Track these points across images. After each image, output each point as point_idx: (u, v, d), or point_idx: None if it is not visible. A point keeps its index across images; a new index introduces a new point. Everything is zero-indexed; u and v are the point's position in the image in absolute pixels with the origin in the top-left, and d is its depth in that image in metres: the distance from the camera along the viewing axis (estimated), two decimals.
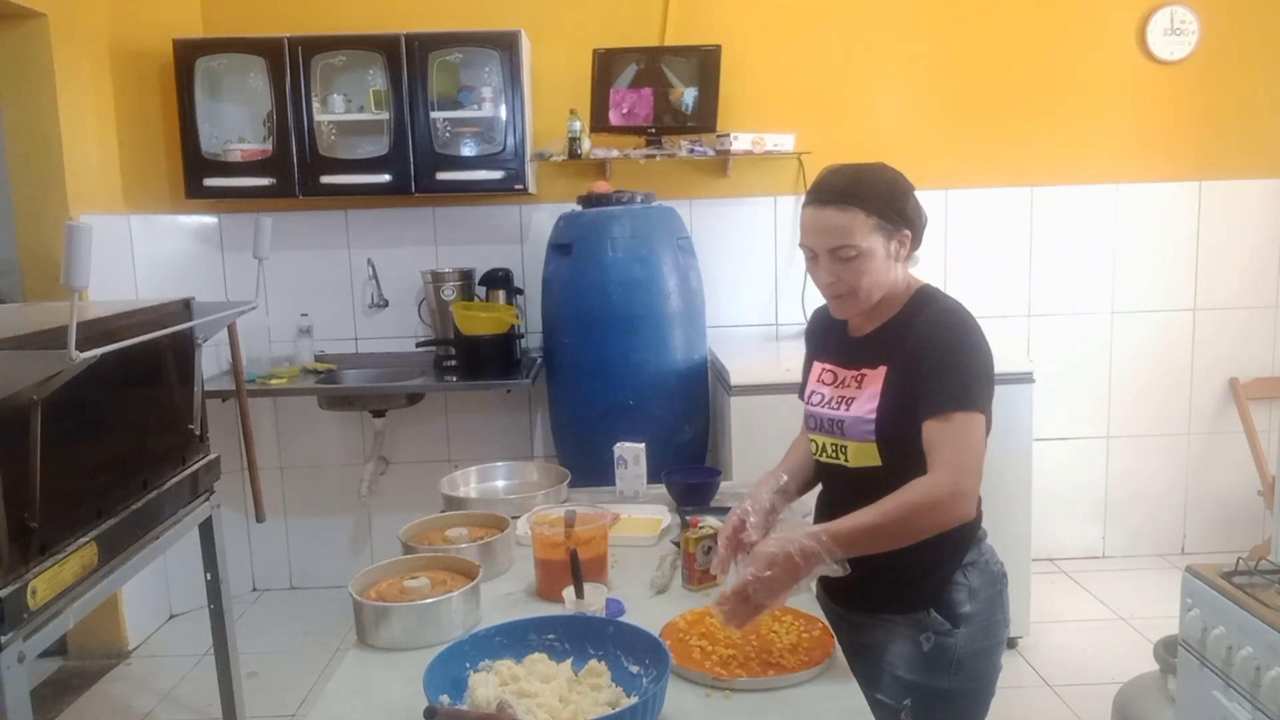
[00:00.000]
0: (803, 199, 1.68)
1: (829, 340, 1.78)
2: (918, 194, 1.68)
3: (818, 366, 1.78)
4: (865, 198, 1.58)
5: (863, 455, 1.62)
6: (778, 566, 1.41)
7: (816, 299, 1.77)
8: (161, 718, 3.08)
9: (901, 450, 1.56)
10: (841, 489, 1.70)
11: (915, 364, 1.56)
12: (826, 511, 1.75)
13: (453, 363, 3.73)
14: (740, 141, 3.68)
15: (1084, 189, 3.95)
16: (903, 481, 1.51)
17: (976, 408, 1.52)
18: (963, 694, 1.63)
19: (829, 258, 1.60)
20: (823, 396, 1.71)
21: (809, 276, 1.68)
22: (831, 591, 1.74)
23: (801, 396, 1.82)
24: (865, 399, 1.61)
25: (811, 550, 1.42)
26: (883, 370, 1.61)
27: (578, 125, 3.66)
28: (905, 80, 3.89)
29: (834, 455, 1.69)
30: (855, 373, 1.66)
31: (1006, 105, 3.90)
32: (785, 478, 1.74)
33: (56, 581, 1.88)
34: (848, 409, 1.64)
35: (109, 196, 3.45)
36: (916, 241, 1.66)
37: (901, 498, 1.48)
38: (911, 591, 1.61)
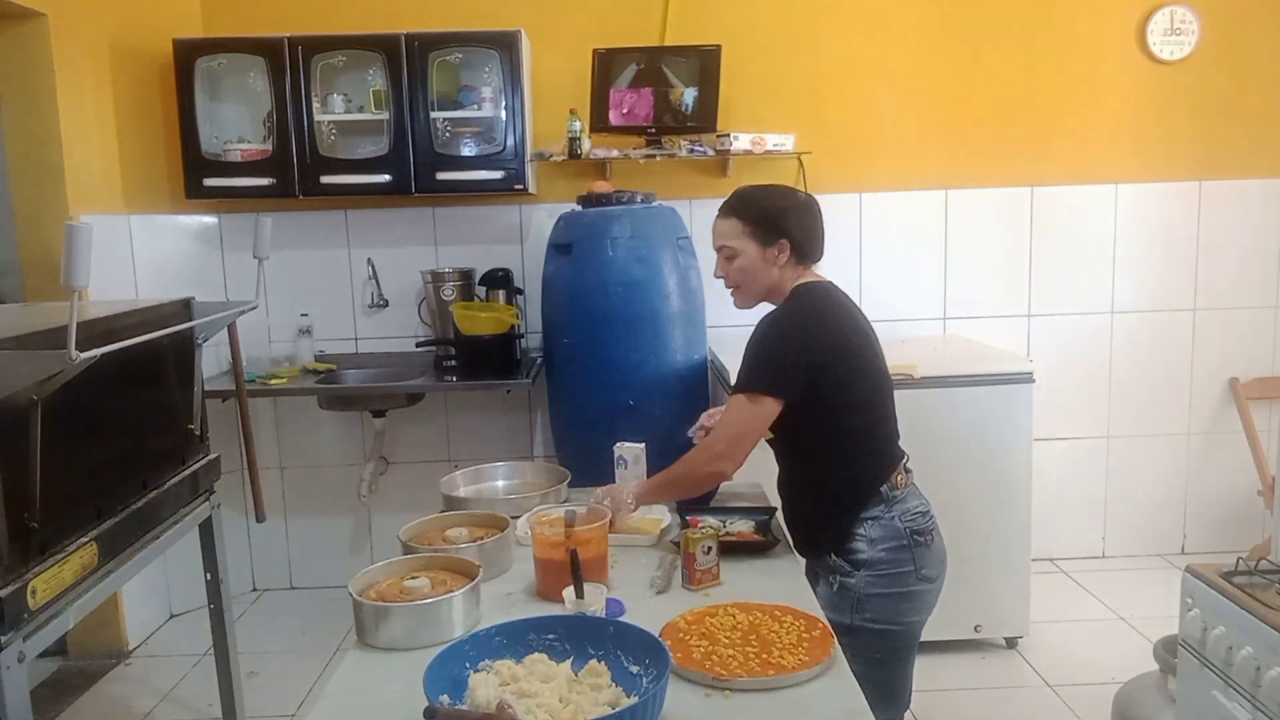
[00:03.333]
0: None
1: None
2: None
3: None
4: (743, 209, 1.97)
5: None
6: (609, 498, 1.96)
7: None
8: (161, 718, 3.08)
9: (781, 425, 1.90)
10: (774, 456, 2.06)
11: None
12: None
13: (453, 363, 3.72)
14: (740, 141, 3.68)
15: (1084, 189, 3.95)
16: (790, 452, 1.99)
17: (755, 389, 1.89)
18: (867, 633, 1.86)
19: (719, 256, 2.01)
20: None
21: None
22: (791, 539, 2.04)
23: None
24: None
25: (621, 499, 1.96)
26: None
27: (578, 125, 3.66)
28: (905, 80, 3.89)
29: None
30: None
31: (1006, 105, 3.90)
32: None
33: (56, 581, 1.88)
34: None
35: (109, 196, 3.45)
36: (802, 250, 1.97)
37: (684, 460, 1.95)
38: (816, 539, 1.95)
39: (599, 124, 3.73)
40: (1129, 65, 3.89)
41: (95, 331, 2.00)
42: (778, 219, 1.95)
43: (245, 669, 2.92)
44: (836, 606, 1.87)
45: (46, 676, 3.29)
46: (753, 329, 1.95)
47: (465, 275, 3.76)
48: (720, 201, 2.03)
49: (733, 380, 2.00)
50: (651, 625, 1.47)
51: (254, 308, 2.75)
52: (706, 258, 3.73)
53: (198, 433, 2.62)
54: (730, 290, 2.03)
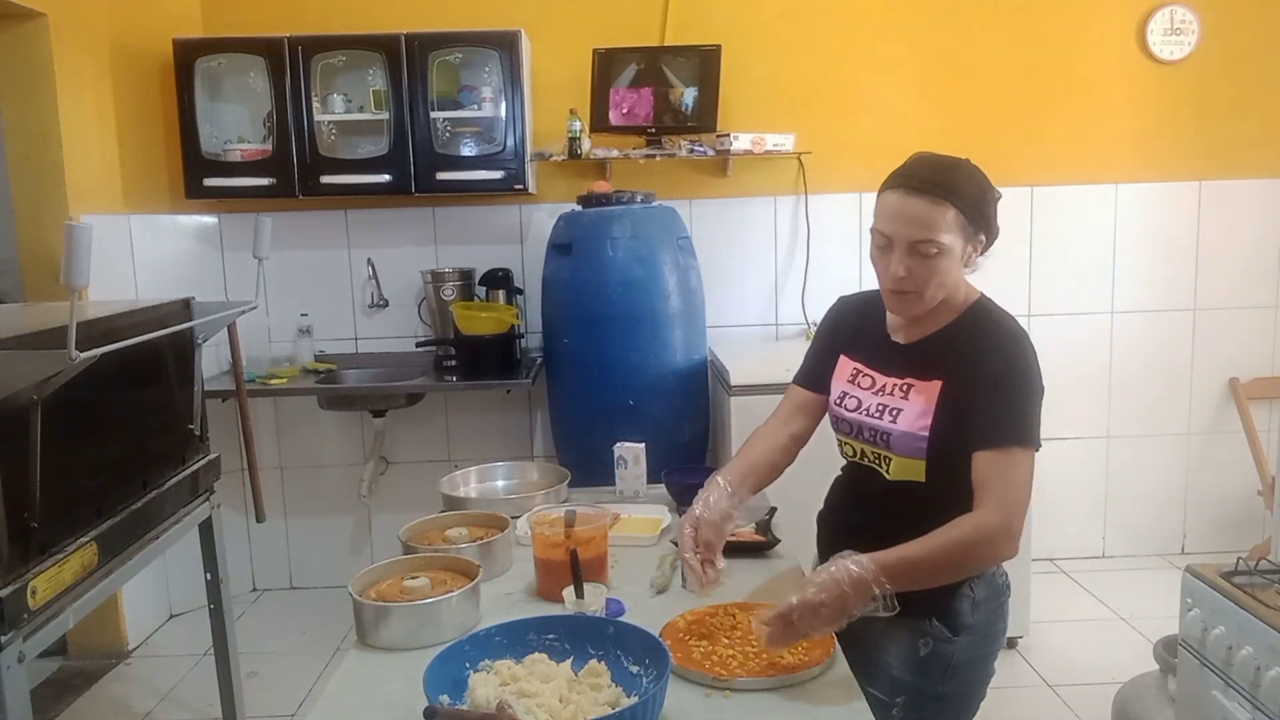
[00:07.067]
0: (886, 181, 1.57)
1: (862, 336, 1.70)
2: None
3: (847, 364, 1.69)
4: (960, 194, 1.51)
5: (906, 470, 1.56)
6: (829, 596, 1.37)
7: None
8: (161, 718, 3.08)
9: (949, 469, 1.51)
10: (871, 495, 1.65)
11: (973, 387, 1.50)
12: (839, 508, 1.74)
13: (453, 363, 3.73)
14: (740, 141, 3.67)
15: (1084, 189, 3.95)
16: (942, 499, 1.48)
17: (1033, 443, 1.48)
18: (954, 698, 1.63)
19: (907, 250, 1.51)
20: (859, 402, 1.63)
21: (876, 265, 1.57)
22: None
23: (800, 381, 1.78)
24: (916, 414, 1.54)
25: (862, 583, 1.37)
26: (937, 385, 1.54)
27: (578, 125, 3.66)
28: (905, 80, 3.89)
29: (874, 462, 1.63)
30: (901, 381, 1.59)
31: (1006, 105, 3.90)
32: (730, 490, 1.64)
33: (56, 581, 1.88)
34: (895, 421, 1.56)
35: (109, 196, 3.45)
36: (988, 250, 1.59)
37: (952, 534, 1.43)
38: (917, 598, 1.46)
39: (599, 124, 3.73)
40: (1129, 65, 3.89)
41: (95, 331, 2.00)
42: (991, 210, 1.56)
43: (245, 669, 2.92)
44: (923, 672, 1.59)
45: (46, 676, 3.29)
46: (984, 361, 1.52)
47: (465, 275, 3.76)
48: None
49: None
50: (651, 625, 1.47)
51: (254, 308, 2.75)
52: (706, 258, 3.78)
53: (198, 433, 2.62)
54: (900, 293, 1.55)
